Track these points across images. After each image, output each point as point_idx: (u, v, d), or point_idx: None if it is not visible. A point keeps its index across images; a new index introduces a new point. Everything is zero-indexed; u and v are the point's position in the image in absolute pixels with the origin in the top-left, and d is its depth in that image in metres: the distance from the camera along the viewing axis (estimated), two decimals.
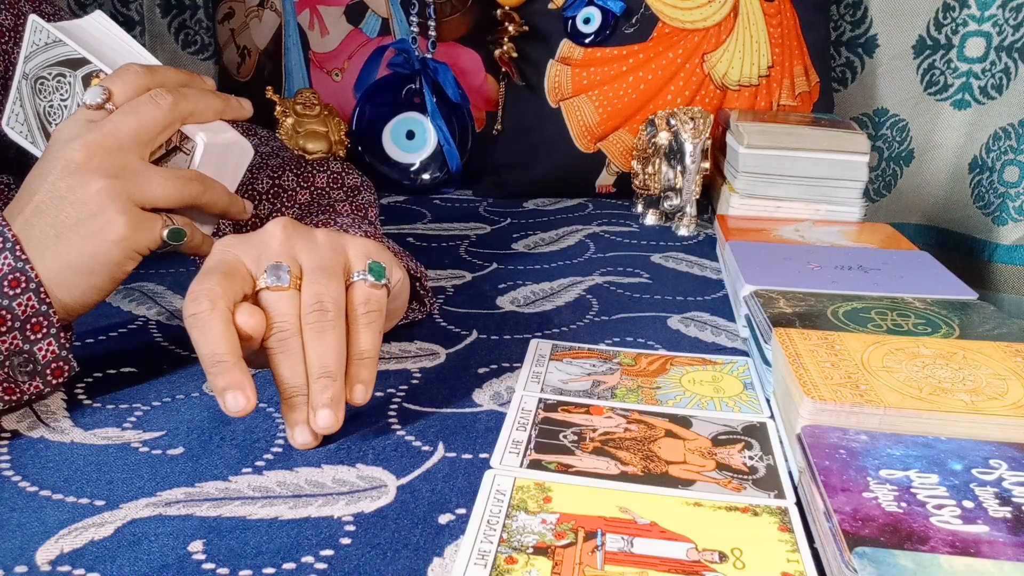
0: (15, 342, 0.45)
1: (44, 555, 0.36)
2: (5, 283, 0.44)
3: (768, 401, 0.53)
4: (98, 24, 0.53)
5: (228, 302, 0.42)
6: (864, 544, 0.34)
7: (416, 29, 1.13)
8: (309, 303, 0.44)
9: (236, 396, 0.42)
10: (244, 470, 0.44)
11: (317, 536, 0.38)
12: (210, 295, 0.42)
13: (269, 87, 1.08)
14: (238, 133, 0.52)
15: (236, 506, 0.40)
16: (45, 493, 0.41)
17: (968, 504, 0.37)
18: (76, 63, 0.50)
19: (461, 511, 0.41)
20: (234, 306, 0.43)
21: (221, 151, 0.51)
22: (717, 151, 1.05)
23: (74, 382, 0.52)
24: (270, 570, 0.36)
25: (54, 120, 0.52)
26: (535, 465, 0.44)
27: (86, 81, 0.50)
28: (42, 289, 0.45)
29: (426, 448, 0.47)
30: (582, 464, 0.45)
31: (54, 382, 0.47)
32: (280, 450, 0.46)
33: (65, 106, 0.51)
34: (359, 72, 1.14)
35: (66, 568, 0.36)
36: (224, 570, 0.36)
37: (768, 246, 0.77)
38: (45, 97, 0.51)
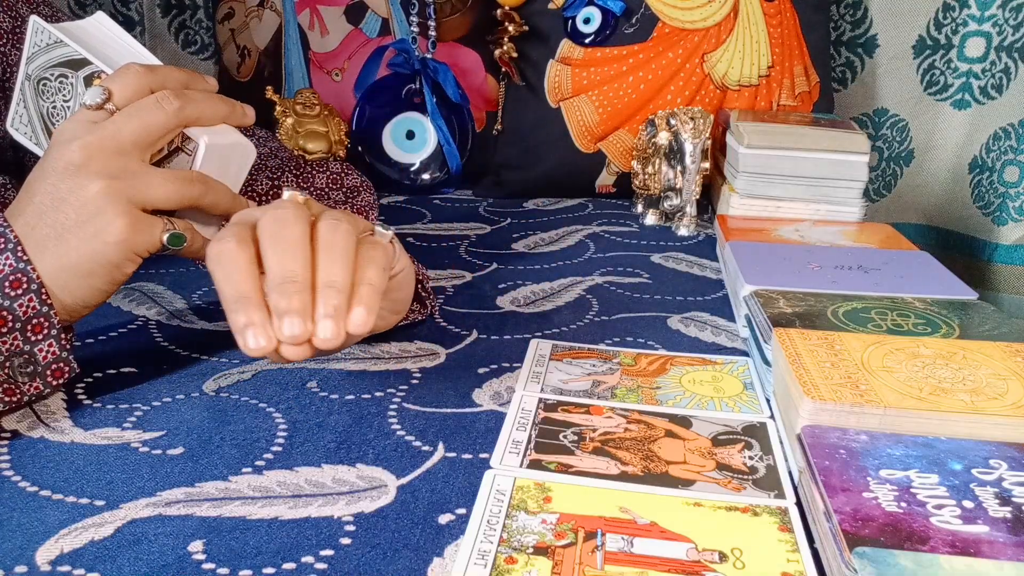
0: (16, 343, 0.45)
1: (44, 555, 0.36)
2: (6, 284, 0.44)
3: (768, 401, 0.53)
4: (99, 25, 0.53)
5: (252, 245, 0.41)
6: (864, 544, 0.34)
7: (416, 29, 1.13)
8: (327, 225, 0.42)
9: (257, 334, 0.39)
10: (244, 470, 0.44)
11: (317, 536, 0.38)
12: (236, 234, 0.41)
13: (269, 87, 1.08)
14: (240, 134, 0.52)
15: (236, 506, 0.40)
16: (45, 493, 0.41)
17: (968, 504, 0.37)
18: (77, 64, 0.50)
19: (461, 511, 0.41)
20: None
21: (223, 152, 0.51)
22: (717, 151, 1.05)
23: (74, 382, 0.52)
24: (270, 570, 0.36)
25: (57, 121, 0.52)
26: (535, 465, 0.44)
27: (88, 82, 0.50)
28: (43, 290, 0.45)
29: (426, 448, 0.47)
30: (582, 464, 0.45)
31: (54, 383, 0.47)
32: (280, 450, 0.46)
33: (68, 107, 0.51)
34: (359, 72, 1.14)
35: (66, 568, 0.36)
36: (224, 570, 0.36)
37: (768, 246, 0.77)
38: (48, 98, 0.51)
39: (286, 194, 0.44)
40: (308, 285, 0.40)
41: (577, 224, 0.98)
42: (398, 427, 0.49)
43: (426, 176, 1.14)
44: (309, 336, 0.40)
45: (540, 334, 0.63)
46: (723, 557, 0.37)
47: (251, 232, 0.42)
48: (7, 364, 0.45)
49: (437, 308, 0.67)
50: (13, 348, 0.45)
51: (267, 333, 0.39)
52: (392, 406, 0.51)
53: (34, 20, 0.51)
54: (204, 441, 0.46)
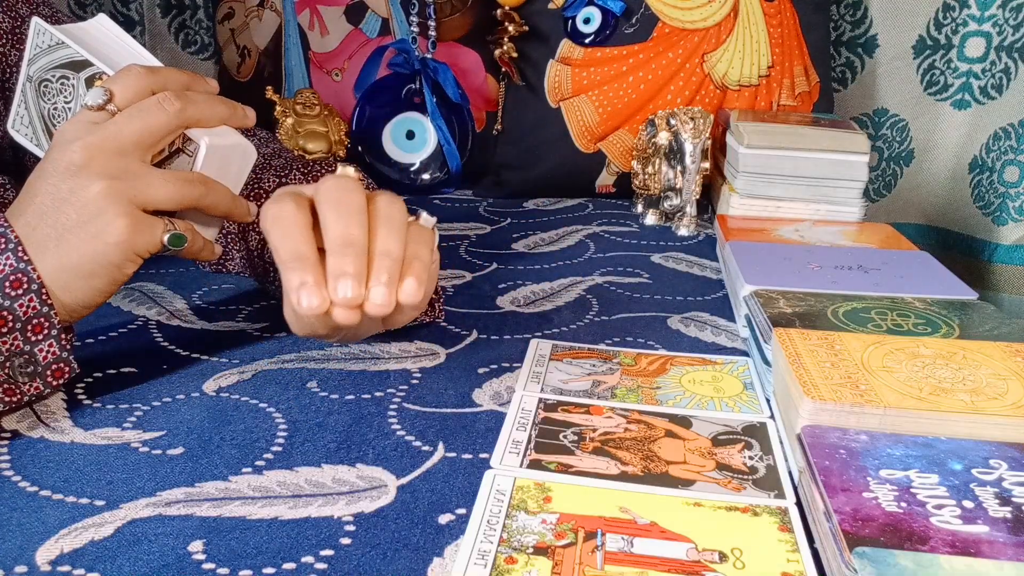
0: (16, 343, 0.45)
1: (44, 555, 0.36)
2: (7, 284, 0.44)
3: (768, 401, 0.53)
4: (101, 27, 0.53)
5: (309, 210, 0.43)
6: (864, 544, 0.34)
7: (416, 29, 1.13)
8: (385, 199, 0.44)
9: (311, 294, 0.41)
10: (244, 470, 0.44)
11: (317, 536, 0.38)
12: (294, 198, 0.43)
13: (269, 87, 1.08)
14: (241, 136, 0.52)
15: (236, 506, 0.40)
16: (45, 493, 0.41)
17: (968, 504, 0.37)
18: (79, 65, 0.50)
19: (461, 511, 0.41)
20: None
21: (224, 153, 0.51)
22: (717, 151, 1.05)
23: (74, 382, 0.52)
24: (270, 570, 0.36)
25: (58, 122, 0.52)
26: (535, 465, 0.44)
27: (89, 83, 0.50)
28: (44, 290, 0.45)
29: (426, 448, 0.47)
30: (582, 464, 0.45)
31: (54, 383, 0.47)
32: (280, 450, 0.46)
33: (69, 108, 0.51)
34: (359, 72, 1.14)
35: (66, 568, 0.36)
36: (224, 570, 0.36)
37: (768, 246, 0.77)
38: (49, 99, 0.51)
39: (341, 168, 0.45)
40: (366, 251, 0.42)
41: (577, 224, 0.98)
42: (398, 427, 0.49)
43: (426, 176, 1.14)
44: (361, 301, 0.41)
45: (540, 334, 0.63)
46: (723, 557, 0.37)
47: (306, 199, 0.44)
48: (7, 364, 0.45)
49: (443, 312, 0.67)
50: (13, 348, 0.45)
51: (321, 294, 0.41)
52: (392, 406, 0.51)
53: (36, 22, 0.51)
54: (204, 441, 0.46)
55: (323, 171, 0.65)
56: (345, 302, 0.41)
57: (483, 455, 0.46)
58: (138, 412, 0.49)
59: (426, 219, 0.47)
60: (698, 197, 0.94)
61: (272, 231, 0.42)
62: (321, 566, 0.37)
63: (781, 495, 0.42)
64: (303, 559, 0.37)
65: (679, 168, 0.92)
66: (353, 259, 0.41)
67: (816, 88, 1.11)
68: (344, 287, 0.41)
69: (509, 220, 1.00)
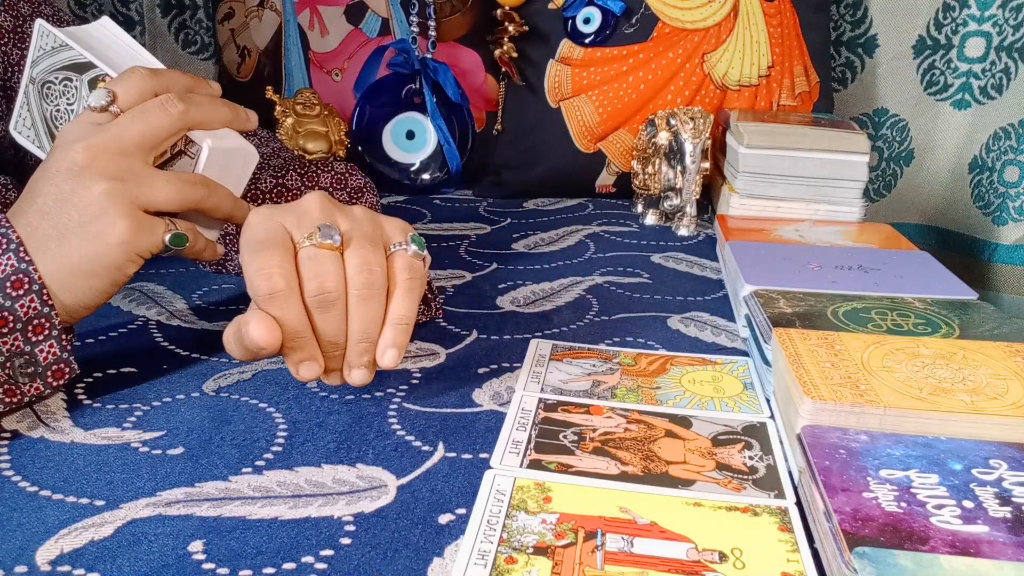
0: (16, 343, 0.45)
1: (44, 555, 0.36)
2: (8, 284, 0.44)
3: (768, 401, 0.53)
4: (104, 29, 0.53)
5: (295, 274, 0.45)
6: (864, 544, 0.34)
7: (416, 29, 1.13)
8: (358, 267, 0.45)
9: (311, 366, 0.46)
10: (244, 470, 0.44)
11: (317, 536, 0.39)
12: (284, 273, 0.44)
13: (269, 87, 1.08)
14: (243, 139, 0.52)
15: (236, 506, 0.40)
16: (45, 493, 0.41)
17: (968, 504, 0.37)
18: (82, 67, 0.50)
19: (461, 511, 0.41)
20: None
21: (226, 156, 0.51)
22: (717, 151, 1.05)
23: (74, 382, 0.52)
24: (270, 570, 0.36)
25: (61, 124, 0.52)
26: (535, 465, 0.44)
27: (92, 85, 0.50)
28: (44, 291, 0.45)
29: (426, 448, 0.47)
30: (582, 464, 0.45)
31: (55, 384, 0.47)
32: (280, 450, 0.46)
33: (72, 110, 0.51)
34: (359, 72, 1.14)
35: (66, 568, 0.36)
36: (224, 570, 0.36)
37: (768, 246, 0.77)
38: (52, 101, 0.51)
39: (323, 236, 0.45)
40: (376, 342, 0.46)
41: (577, 224, 0.98)
42: (398, 427, 0.49)
43: (426, 176, 1.14)
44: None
45: (540, 334, 0.63)
46: (723, 557, 0.37)
47: (292, 259, 0.45)
48: (8, 365, 0.45)
49: (441, 310, 0.67)
50: (14, 348, 0.45)
51: (320, 366, 0.46)
52: (392, 406, 0.51)
53: (40, 24, 0.51)
54: (204, 441, 0.46)
55: (322, 172, 0.65)
56: (354, 384, 0.47)
57: (483, 455, 0.46)
58: (138, 412, 0.49)
59: (415, 252, 0.48)
60: (698, 197, 0.94)
61: (269, 309, 0.44)
62: (321, 566, 0.37)
63: (781, 495, 0.42)
64: (303, 559, 0.37)
65: (679, 168, 0.92)
66: (367, 353, 0.46)
67: (816, 88, 1.11)
68: (358, 375, 0.47)
69: (509, 220, 1.00)
